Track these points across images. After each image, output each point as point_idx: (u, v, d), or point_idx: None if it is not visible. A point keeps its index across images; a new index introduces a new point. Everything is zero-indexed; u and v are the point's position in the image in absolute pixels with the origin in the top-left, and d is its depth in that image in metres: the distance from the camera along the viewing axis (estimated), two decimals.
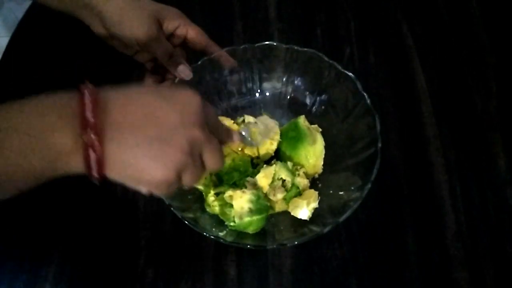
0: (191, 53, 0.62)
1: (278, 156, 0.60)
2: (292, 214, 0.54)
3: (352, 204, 0.50)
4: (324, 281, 0.55)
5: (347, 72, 0.58)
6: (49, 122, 0.33)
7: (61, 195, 0.57)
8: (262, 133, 0.58)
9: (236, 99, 0.65)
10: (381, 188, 0.55)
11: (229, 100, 0.64)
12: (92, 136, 0.33)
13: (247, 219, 0.51)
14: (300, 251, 0.56)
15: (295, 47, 0.60)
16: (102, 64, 0.68)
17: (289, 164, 0.57)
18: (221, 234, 0.52)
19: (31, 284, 0.54)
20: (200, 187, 0.55)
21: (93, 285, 0.55)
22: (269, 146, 0.58)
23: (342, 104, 0.60)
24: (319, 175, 0.59)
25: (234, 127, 0.59)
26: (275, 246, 0.52)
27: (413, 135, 0.65)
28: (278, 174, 0.55)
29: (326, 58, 0.59)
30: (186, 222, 0.49)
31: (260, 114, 0.63)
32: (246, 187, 0.54)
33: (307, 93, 0.63)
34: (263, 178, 0.55)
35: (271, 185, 0.55)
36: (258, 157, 0.59)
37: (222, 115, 0.63)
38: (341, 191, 0.55)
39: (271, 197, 0.55)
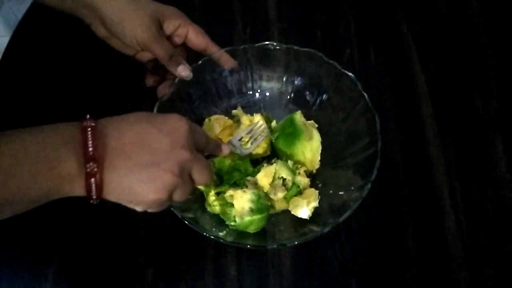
0: (191, 53, 0.62)
1: (275, 153, 0.60)
2: (292, 213, 0.54)
3: (352, 204, 0.50)
4: (324, 281, 0.55)
5: (347, 72, 0.58)
6: (57, 151, 0.37)
7: None
8: (253, 138, 0.58)
9: (236, 99, 0.65)
10: (381, 188, 0.55)
11: (229, 100, 0.64)
12: (93, 166, 0.37)
13: (247, 218, 0.51)
14: (300, 251, 0.56)
15: (295, 47, 0.60)
16: (102, 64, 0.68)
17: (290, 163, 0.57)
18: (221, 234, 0.52)
19: (31, 284, 0.54)
20: (201, 187, 0.55)
21: (93, 285, 0.55)
22: (259, 150, 0.59)
23: (342, 104, 0.60)
24: (318, 174, 0.59)
25: (246, 121, 0.60)
26: (275, 246, 0.52)
27: (413, 135, 0.65)
28: (279, 173, 0.55)
29: (326, 58, 0.59)
30: (186, 222, 0.49)
31: (260, 114, 0.63)
32: (246, 187, 0.54)
33: (307, 93, 0.63)
34: (264, 177, 0.55)
35: (272, 184, 0.55)
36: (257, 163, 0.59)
37: (222, 115, 0.63)
38: (341, 191, 0.55)
39: (272, 196, 0.55)
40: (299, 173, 0.56)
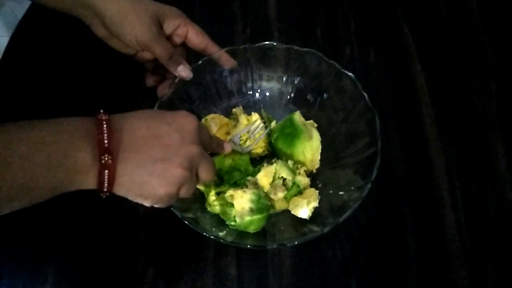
0: (191, 53, 0.62)
1: (275, 153, 0.60)
2: (292, 213, 0.54)
3: (352, 204, 0.50)
4: (324, 281, 0.55)
5: (347, 72, 0.58)
6: (73, 142, 0.37)
7: (61, 195, 0.57)
8: (252, 137, 0.59)
9: (236, 99, 0.65)
10: (381, 188, 0.55)
11: (229, 100, 0.64)
12: (108, 158, 0.38)
13: (248, 218, 0.51)
14: (300, 251, 0.56)
15: (295, 47, 0.60)
16: (102, 64, 0.68)
17: (290, 162, 0.57)
18: (221, 234, 0.52)
19: (31, 284, 0.54)
20: (201, 187, 0.55)
21: (93, 285, 0.55)
22: (258, 149, 0.59)
23: (342, 104, 0.60)
24: (318, 174, 0.59)
25: (244, 121, 0.60)
26: (275, 246, 0.52)
27: (413, 135, 0.65)
28: (279, 173, 0.55)
29: (326, 58, 0.59)
30: (186, 222, 0.49)
31: (260, 114, 0.64)
32: (247, 186, 0.54)
33: (307, 93, 0.63)
34: (264, 177, 0.55)
35: (272, 184, 0.55)
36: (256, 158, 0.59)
37: (222, 115, 0.63)
38: (341, 191, 0.55)
39: (272, 196, 0.55)
40: (299, 173, 0.56)
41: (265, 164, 0.57)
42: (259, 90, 0.65)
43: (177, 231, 0.57)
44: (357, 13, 0.77)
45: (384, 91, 0.69)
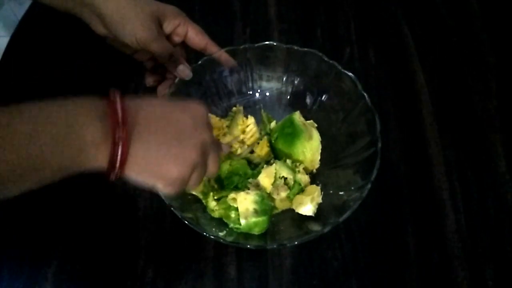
0: (191, 53, 0.62)
1: (274, 153, 0.60)
2: (296, 211, 0.54)
3: (352, 204, 0.50)
4: (324, 281, 0.55)
5: (347, 72, 0.58)
6: (83, 117, 0.36)
7: (61, 195, 0.57)
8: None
9: (236, 99, 0.65)
10: (381, 188, 0.55)
11: (229, 100, 0.64)
12: (122, 133, 0.36)
13: (253, 220, 0.51)
14: (300, 251, 0.56)
15: (295, 47, 0.60)
16: (102, 64, 0.68)
17: (288, 161, 0.57)
18: (221, 234, 0.52)
19: (31, 284, 0.54)
20: (198, 194, 0.55)
21: (93, 285, 0.55)
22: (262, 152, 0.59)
23: (342, 104, 0.60)
24: (318, 174, 0.59)
25: (239, 121, 0.60)
26: (275, 246, 0.52)
27: (413, 135, 0.65)
28: (279, 172, 0.55)
29: (326, 58, 0.59)
30: (186, 222, 0.49)
31: (260, 114, 0.64)
32: (248, 189, 0.54)
33: (307, 93, 0.63)
34: (265, 178, 0.55)
35: (274, 184, 0.55)
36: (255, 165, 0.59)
37: (222, 115, 0.63)
38: (341, 191, 0.55)
39: (275, 196, 0.55)
40: (299, 171, 0.56)
41: (264, 166, 0.57)
42: (259, 90, 0.65)
43: (177, 231, 0.57)
44: (357, 13, 0.77)
45: (384, 91, 0.69)
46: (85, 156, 0.36)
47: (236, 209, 0.52)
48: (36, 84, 0.68)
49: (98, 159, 0.36)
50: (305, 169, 0.58)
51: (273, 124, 0.61)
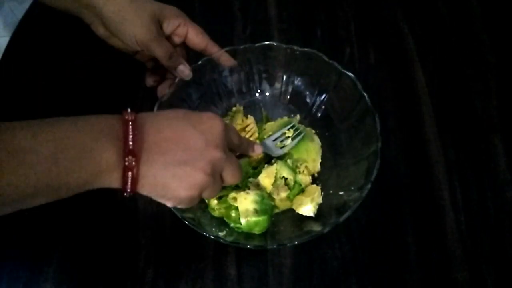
0: (191, 53, 0.62)
1: None
2: (297, 211, 0.54)
3: (352, 204, 0.50)
4: (324, 281, 0.55)
5: (347, 72, 0.58)
6: (98, 142, 0.38)
7: None
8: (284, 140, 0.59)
9: (236, 99, 0.65)
10: (381, 188, 0.55)
11: (229, 100, 0.64)
12: (132, 160, 0.38)
13: (253, 219, 0.51)
14: (300, 251, 0.56)
15: (295, 47, 0.60)
16: (102, 64, 0.68)
17: (289, 161, 0.57)
18: (221, 234, 0.52)
19: (31, 284, 0.54)
20: None
21: (93, 285, 0.55)
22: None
23: (342, 104, 0.60)
24: (318, 174, 0.59)
25: (239, 121, 0.60)
26: (275, 246, 0.52)
27: (413, 135, 0.65)
28: (280, 173, 0.55)
29: (326, 58, 0.59)
30: (186, 222, 0.49)
31: (260, 114, 0.64)
32: (249, 188, 0.54)
33: (307, 93, 0.63)
34: (266, 178, 0.55)
35: (274, 184, 0.55)
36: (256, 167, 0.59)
37: (222, 115, 0.63)
38: (341, 191, 0.55)
39: (275, 196, 0.55)
40: (299, 172, 0.56)
41: (265, 165, 0.57)
42: (259, 90, 0.65)
43: (177, 231, 0.57)
44: (357, 13, 0.77)
45: (384, 91, 0.69)
46: (100, 178, 0.38)
47: (237, 208, 0.52)
48: (36, 84, 0.68)
49: (111, 181, 0.39)
50: (307, 169, 0.58)
51: (269, 124, 0.61)
